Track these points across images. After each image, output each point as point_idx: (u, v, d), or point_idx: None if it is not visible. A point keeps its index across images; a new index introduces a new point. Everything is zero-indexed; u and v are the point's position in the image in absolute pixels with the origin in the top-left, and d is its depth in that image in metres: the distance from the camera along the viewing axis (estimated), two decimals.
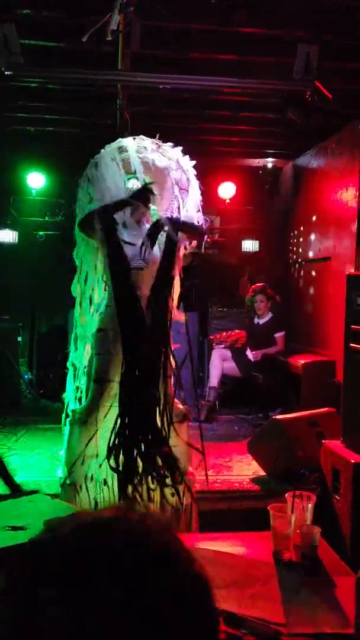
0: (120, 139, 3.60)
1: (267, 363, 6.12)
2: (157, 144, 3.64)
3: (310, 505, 2.22)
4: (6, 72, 3.87)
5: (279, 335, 6.26)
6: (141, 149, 3.55)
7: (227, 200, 7.52)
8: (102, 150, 3.61)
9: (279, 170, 7.65)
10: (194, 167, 3.70)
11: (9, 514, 2.01)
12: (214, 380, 6.31)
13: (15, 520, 1.90)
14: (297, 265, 7.08)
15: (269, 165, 7.56)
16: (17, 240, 7.08)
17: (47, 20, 4.09)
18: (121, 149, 3.57)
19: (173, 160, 3.61)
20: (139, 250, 3.48)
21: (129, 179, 3.52)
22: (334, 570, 2.00)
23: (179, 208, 3.69)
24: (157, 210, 3.65)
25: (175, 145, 3.71)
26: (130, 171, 3.51)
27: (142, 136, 3.63)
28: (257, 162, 7.58)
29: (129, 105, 5.04)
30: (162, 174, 3.60)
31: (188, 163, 3.68)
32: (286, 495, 2.25)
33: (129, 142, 3.57)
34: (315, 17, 4.16)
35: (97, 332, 3.68)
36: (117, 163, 3.50)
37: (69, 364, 3.93)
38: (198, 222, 3.63)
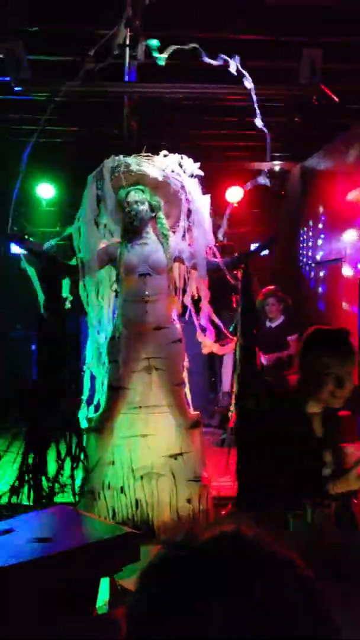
0: (111, 158, 3.67)
1: (280, 367, 6.12)
2: (147, 157, 3.70)
3: (330, 511, 2.23)
4: (15, 88, 3.92)
5: (291, 338, 6.25)
6: (133, 164, 3.60)
7: (235, 204, 7.53)
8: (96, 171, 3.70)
9: (286, 172, 7.65)
10: (201, 170, 3.75)
11: (35, 526, 2.05)
12: (227, 385, 6.32)
13: (41, 532, 1.94)
14: (307, 268, 7.08)
15: (276, 168, 7.58)
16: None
17: (55, 36, 4.15)
18: (99, 171, 3.64)
19: (167, 169, 3.66)
20: (147, 258, 3.54)
21: (128, 192, 3.57)
22: None
23: (187, 213, 3.74)
24: (165, 218, 3.69)
25: (180, 151, 3.75)
26: (123, 185, 3.59)
27: (122, 156, 3.71)
28: (264, 165, 7.59)
29: (135, 115, 5.09)
30: (160, 184, 3.65)
31: (189, 167, 3.72)
32: (304, 502, 2.26)
33: (107, 164, 3.65)
34: (317, 21, 4.19)
35: (110, 340, 3.73)
36: (99, 188, 3.64)
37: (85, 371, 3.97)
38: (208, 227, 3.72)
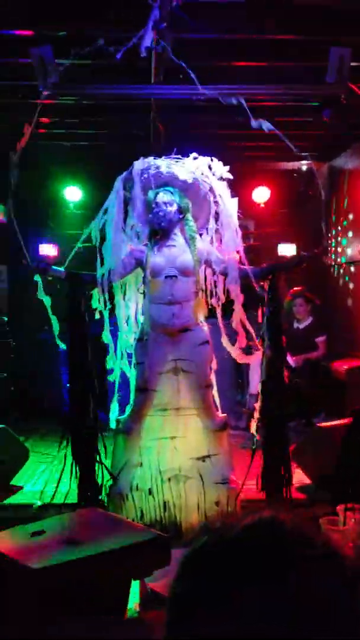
0: (141, 160, 3.68)
1: (308, 368, 6.07)
2: (177, 159, 3.70)
3: None
4: (44, 92, 3.96)
5: (320, 339, 6.19)
6: (162, 166, 3.61)
7: (262, 204, 7.50)
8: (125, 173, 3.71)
9: (313, 172, 7.58)
10: (228, 172, 3.74)
11: (64, 528, 2.06)
12: (254, 387, 6.28)
13: (71, 534, 1.95)
14: (335, 268, 7.00)
15: (304, 167, 7.51)
16: (57, 254, 7.22)
17: (82, 40, 4.18)
18: (144, 169, 3.65)
19: (196, 172, 3.66)
20: (174, 260, 3.55)
21: (157, 193, 3.58)
22: None
23: (216, 215, 3.74)
24: (193, 220, 3.69)
25: (207, 152, 3.75)
26: (152, 187, 3.60)
27: (152, 157, 3.72)
28: (291, 165, 7.54)
29: (162, 117, 5.10)
30: (189, 187, 3.64)
31: (219, 170, 3.71)
32: (337, 508, 2.23)
33: (136, 166, 3.66)
34: (345, 20, 4.14)
35: (137, 341, 3.74)
36: (137, 183, 3.65)
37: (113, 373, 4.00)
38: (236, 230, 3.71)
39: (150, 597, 2.25)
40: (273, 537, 0.62)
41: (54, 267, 3.80)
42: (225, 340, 3.88)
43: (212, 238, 3.78)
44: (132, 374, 3.84)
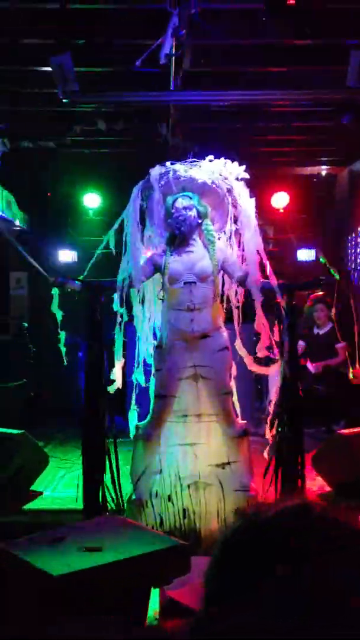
0: (157, 166, 3.68)
1: (328, 375, 6.01)
2: (194, 162, 3.70)
3: None
4: (64, 100, 4.00)
5: (340, 345, 6.12)
6: (180, 170, 3.61)
7: (281, 210, 7.47)
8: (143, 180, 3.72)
9: (333, 177, 7.54)
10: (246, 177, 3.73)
11: (86, 535, 2.06)
12: (273, 393, 6.24)
13: (90, 541, 1.95)
14: (355, 274, 6.94)
15: (323, 173, 7.48)
16: (76, 260, 7.27)
17: (101, 48, 4.22)
18: (147, 180, 3.65)
19: (214, 174, 3.65)
20: (192, 266, 3.55)
21: (175, 198, 3.57)
22: None
23: (234, 219, 3.72)
24: (211, 224, 3.68)
25: (226, 158, 3.74)
26: (171, 192, 3.59)
27: (169, 163, 3.71)
28: (310, 170, 7.51)
29: (180, 123, 5.11)
30: (208, 190, 3.64)
31: (236, 170, 3.69)
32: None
33: (153, 172, 3.65)
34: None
35: (156, 348, 3.73)
36: (157, 190, 3.64)
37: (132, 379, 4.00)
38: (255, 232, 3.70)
39: (170, 605, 2.24)
40: (300, 522, 0.62)
41: (71, 279, 3.80)
42: (239, 346, 3.84)
43: (231, 239, 3.76)
44: (151, 381, 3.83)
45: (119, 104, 5.03)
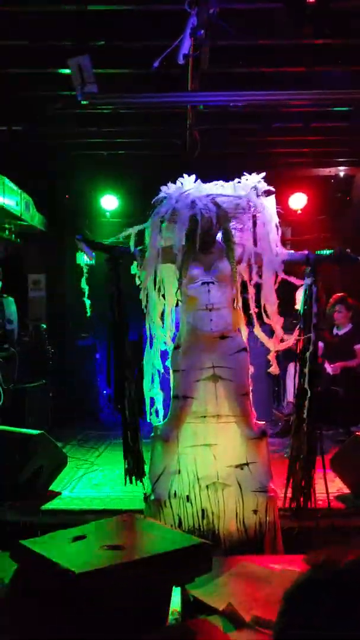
0: (170, 194, 3.68)
1: (347, 376, 5.96)
2: (220, 185, 3.70)
3: None
4: (82, 102, 4.02)
5: (358, 347, 6.08)
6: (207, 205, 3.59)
7: (299, 211, 7.44)
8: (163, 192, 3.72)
9: (351, 177, 7.50)
10: (264, 179, 3.71)
11: (106, 533, 2.06)
12: (290, 393, 6.21)
13: (112, 539, 1.95)
14: None
15: (341, 173, 7.44)
16: (94, 262, 7.30)
17: (119, 49, 4.23)
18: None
19: (242, 199, 3.63)
20: (211, 266, 3.55)
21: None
22: None
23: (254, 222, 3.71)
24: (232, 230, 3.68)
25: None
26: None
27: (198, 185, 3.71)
28: (328, 171, 7.47)
29: (198, 124, 5.11)
30: (232, 212, 3.63)
31: (261, 186, 3.68)
32: None
33: (182, 212, 3.60)
34: None
35: (174, 349, 3.73)
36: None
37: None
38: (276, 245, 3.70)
39: (192, 605, 2.23)
40: None
41: (87, 244, 4.07)
42: (257, 330, 3.81)
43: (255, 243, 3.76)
44: (172, 381, 3.83)
45: (137, 106, 5.03)
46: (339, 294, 6.27)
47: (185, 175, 3.76)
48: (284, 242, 3.88)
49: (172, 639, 1.66)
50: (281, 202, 3.96)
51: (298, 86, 4.58)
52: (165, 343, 3.89)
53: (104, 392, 7.45)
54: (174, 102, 4.63)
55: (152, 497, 3.59)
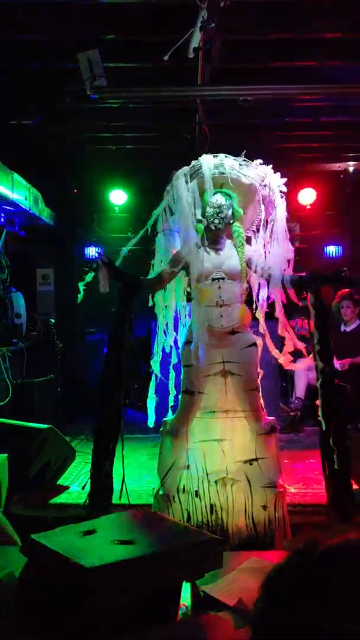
0: (200, 158, 3.64)
1: (355, 372, 5.94)
2: (242, 161, 3.66)
3: None
4: (91, 96, 4.01)
5: None
6: (225, 166, 3.58)
7: (308, 206, 7.41)
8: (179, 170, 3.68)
9: None
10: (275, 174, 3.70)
11: (116, 528, 2.06)
12: (299, 390, 6.21)
13: (122, 534, 1.95)
14: None
15: (350, 169, 7.39)
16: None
17: (129, 43, 4.22)
18: (193, 168, 3.62)
19: (258, 178, 3.63)
20: (221, 263, 3.54)
21: (214, 193, 3.56)
22: None
23: (265, 223, 3.70)
24: (242, 226, 3.67)
25: (252, 154, 3.71)
26: (205, 188, 3.56)
27: (224, 155, 3.65)
28: (337, 166, 7.43)
29: (208, 119, 5.09)
30: (247, 191, 3.62)
31: (276, 180, 3.67)
32: None
33: (206, 161, 3.60)
34: None
35: (184, 344, 3.73)
36: (189, 183, 3.59)
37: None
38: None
39: (202, 600, 2.23)
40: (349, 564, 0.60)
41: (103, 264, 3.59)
42: (270, 346, 3.83)
43: (264, 245, 3.74)
44: (181, 376, 3.83)
45: (146, 100, 5.02)
46: (346, 290, 6.24)
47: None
48: (292, 239, 3.86)
49: (182, 634, 1.66)
50: (290, 198, 3.94)
51: (307, 81, 4.55)
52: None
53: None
54: (184, 96, 4.61)
55: (161, 492, 3.60)
